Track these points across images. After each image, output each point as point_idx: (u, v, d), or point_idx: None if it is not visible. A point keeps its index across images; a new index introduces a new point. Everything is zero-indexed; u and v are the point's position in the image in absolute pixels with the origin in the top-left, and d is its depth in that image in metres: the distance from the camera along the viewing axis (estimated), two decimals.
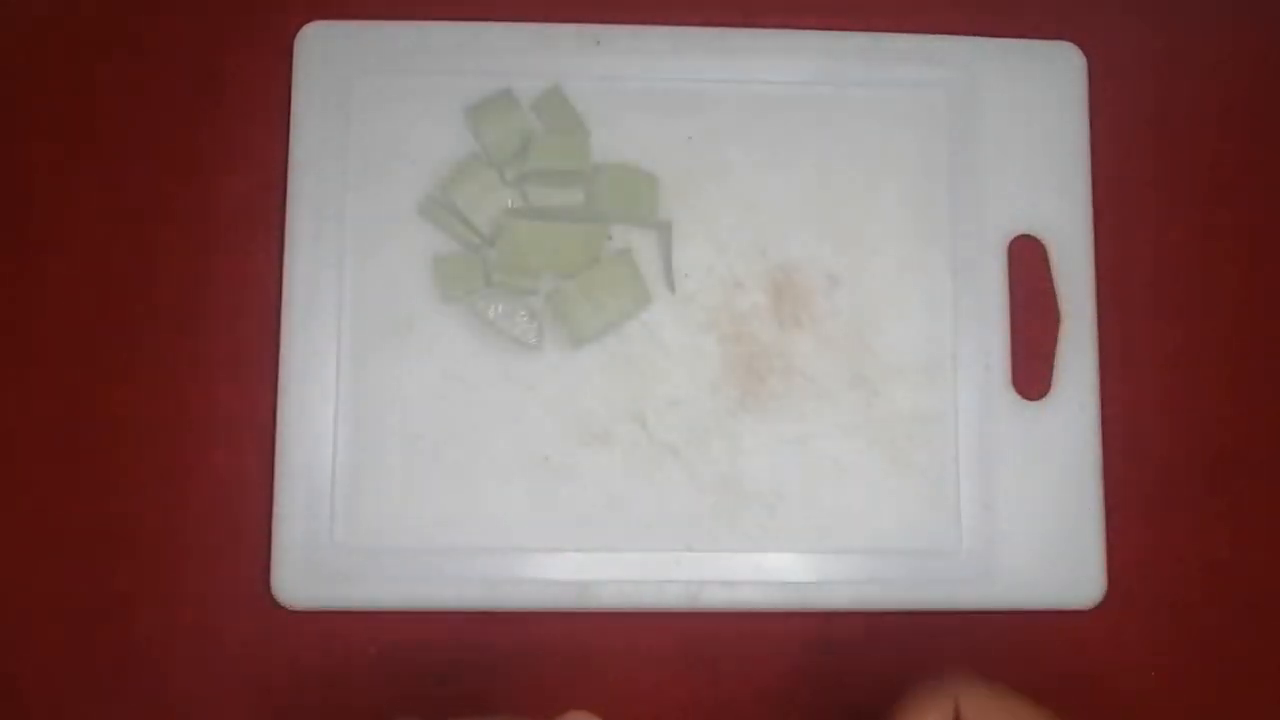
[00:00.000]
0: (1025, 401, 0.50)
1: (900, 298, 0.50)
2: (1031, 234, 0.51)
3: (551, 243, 0.48)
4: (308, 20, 0.50)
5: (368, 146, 0.50)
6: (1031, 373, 0.50)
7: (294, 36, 0.50)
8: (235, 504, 0.48)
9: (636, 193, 0.49)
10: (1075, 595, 0.49)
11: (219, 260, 0.50)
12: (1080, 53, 0.52)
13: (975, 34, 0.52)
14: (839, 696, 0.49)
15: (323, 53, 0.50)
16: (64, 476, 0.48)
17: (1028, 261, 0.51)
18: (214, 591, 0.48)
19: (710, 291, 0.50)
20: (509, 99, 0.49)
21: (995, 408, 0.50)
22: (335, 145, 0.49)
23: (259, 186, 0.50)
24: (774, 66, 0.51)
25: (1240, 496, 0.50)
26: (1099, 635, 0.49)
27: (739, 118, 0.50)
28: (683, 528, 0.48)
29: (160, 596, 0.48)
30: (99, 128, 0.50)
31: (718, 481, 0.49)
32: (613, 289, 0.48)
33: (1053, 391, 0.50)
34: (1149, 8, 0.53)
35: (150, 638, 0.48)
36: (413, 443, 0.48)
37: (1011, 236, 0.51)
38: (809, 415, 0.49)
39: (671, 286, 0.50)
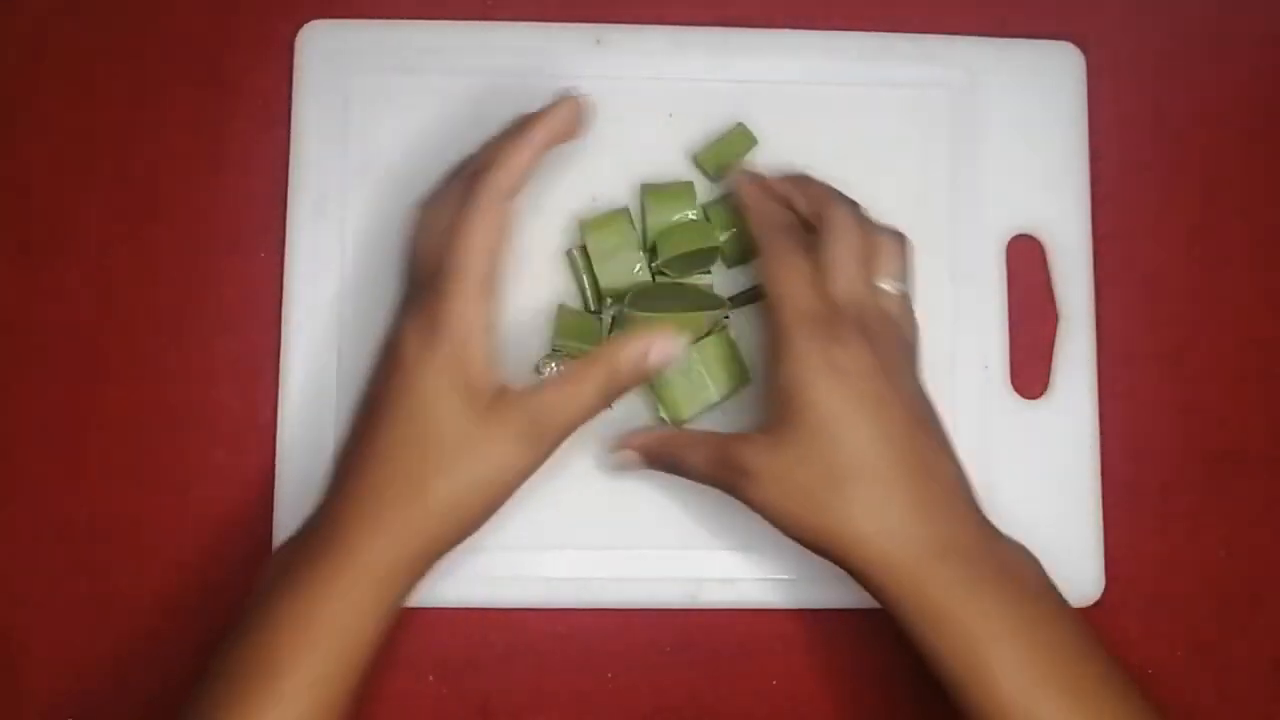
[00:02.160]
0: (1024, 400, 0.50)
1: None
2: (1030, 233, 0.51)
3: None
4: (308, 20, 0.50)
5: (368, 146, 0.50)
6: (1030, 372, 0.50)
7: (294, 36, 0.50)
8: (235, 504, 0.48)
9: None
10: (1074, 593, 0.49)
11: (219, 260, 0.50)
12: (1080, 53, 0.52)
13: (975, 34, 0.52)
14: (838, 694, 0.49)
15: (323, 52, 0.50)
16: (64, 476, 0.49)
17: (1026, 261, 0.51)
18: (214, 590, 0.48)
19: None
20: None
21: (994, 407, 0.50)
22: (335, 145, 0.50)
23: (259, 186, 0.50)
24: (774, 66, 0.51)
25: (1238, 495, 0.51)
26: (1097, 633, 0.49)
27: (739, 118, 0.50)
28: (682, 525, 0.48)
29: (160, 595, 0.48)
30: (99, 128, 0.50)
31: None
32: (710, 369, 0.47)
33: (1051, 390, 0.50)
34: (1149, 8, 0.53)
35: (150, 636, 0.48)
36: None
37: (1010, 236, 0.51)
38: None
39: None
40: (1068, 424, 0.50)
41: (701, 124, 0.50)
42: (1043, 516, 0.49)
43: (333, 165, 0.49)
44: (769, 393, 0.42)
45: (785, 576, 0.48)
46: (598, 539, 0.48)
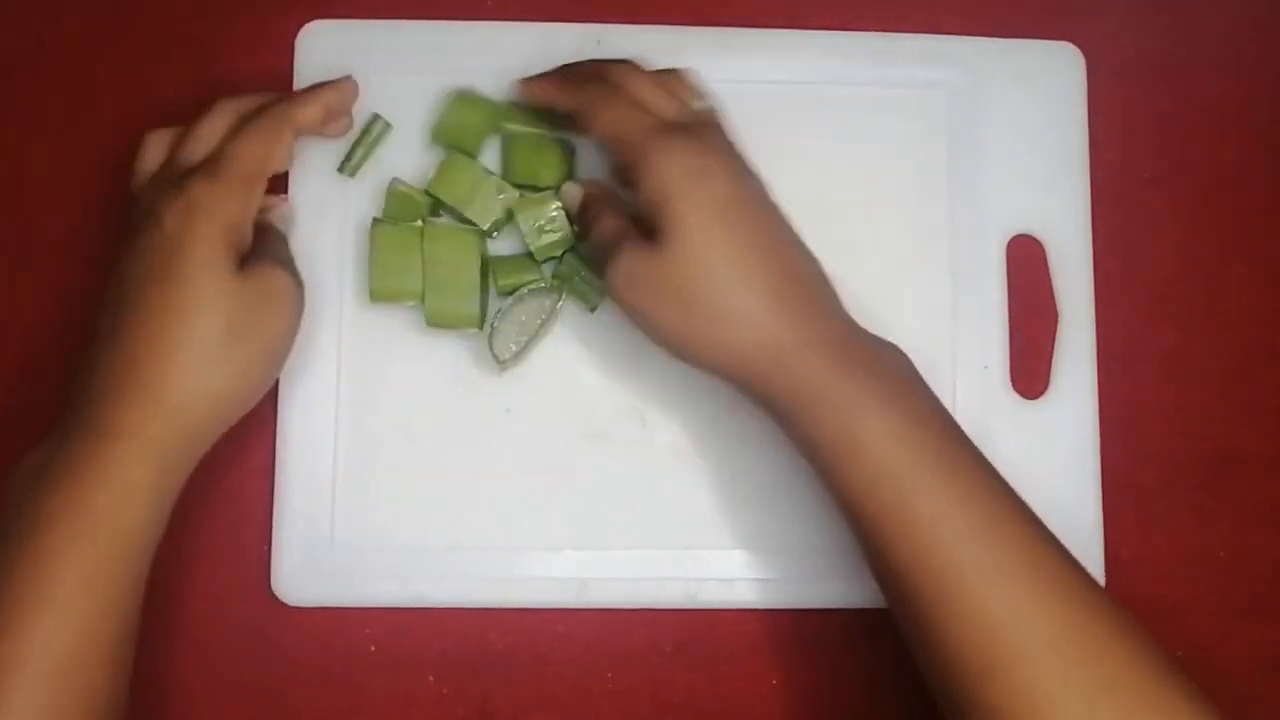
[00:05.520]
0: (1024, 400, 0.50)
1: (900, 297, 0.50)
2: (1030, 233, 0.51)
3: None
4: (308, 20, 0.50)
5: None
6: (1030, 371, 0.50)
7: (294, 36, 0.50)
8: (236, 502, 0.48)
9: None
10: None
11: None
12: (1080, 53, 0.52)
13: (975, 34, 0.52)
14: (839, 694, 0.49)
15: (323, 53, 0.50)
16: None
17: (1026, 261, 0.51)
18: (215, 588, 0.48)
19: None
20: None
21: (994, 406, 0.50)
22: (335, 145, 0.49)
23: None
24: (774, 66, 0.51)
25: (1238, 495, 0.51)
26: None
27: (739, 118, 0.50)
28: (681, 526, 0.48)
29: (161, 593, 0.48)
30: (99, 127, 0.50)
31: (716, 479, 0.49)
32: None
33: (1051, 390, 0.50)
34: (1149, 8, 0.54)
35: (151, 634, 0.48)
36: (412, 441, 0.48)
37: (1010, 236, 0.51)
38: None
39: None
40: (1068, 424, 0.50)
41: None
42: (1042, 516, 0.49)
43: (333, 166, 0.49)
44: (642, 205, 0.42)
45: (785, 576, 0.48)
46: (598, 539, 0.48)
